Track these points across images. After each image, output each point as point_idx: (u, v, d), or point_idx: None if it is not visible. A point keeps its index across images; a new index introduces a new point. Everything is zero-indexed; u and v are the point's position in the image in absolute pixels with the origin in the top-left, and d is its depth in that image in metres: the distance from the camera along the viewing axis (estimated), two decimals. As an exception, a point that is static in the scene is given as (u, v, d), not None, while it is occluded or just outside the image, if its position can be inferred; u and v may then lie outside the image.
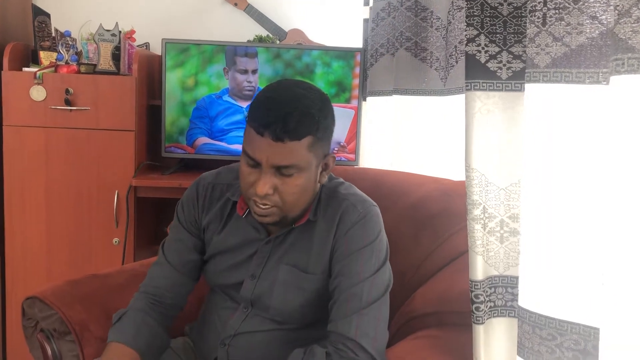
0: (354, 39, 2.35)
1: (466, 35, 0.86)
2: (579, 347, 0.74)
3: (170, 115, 2.21)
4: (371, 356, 0.98)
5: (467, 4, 0.85)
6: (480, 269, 0.89)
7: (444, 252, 1.24)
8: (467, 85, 0.86)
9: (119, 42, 2.14)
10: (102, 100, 2.10)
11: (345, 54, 2.19)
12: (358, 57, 2.19)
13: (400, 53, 1.80)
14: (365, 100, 2.19)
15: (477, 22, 0.84)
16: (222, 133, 2.24)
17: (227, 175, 1.19)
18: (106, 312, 1.27)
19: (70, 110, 2.08)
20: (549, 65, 0.74)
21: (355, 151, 2.25)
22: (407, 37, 1.78)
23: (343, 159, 2.26)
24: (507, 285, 0.91)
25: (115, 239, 2.15)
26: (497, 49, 0.85)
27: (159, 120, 2.23)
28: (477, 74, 0.86)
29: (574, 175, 0.78)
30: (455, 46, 1.56)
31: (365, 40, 2.15)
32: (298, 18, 2.54)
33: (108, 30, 2.12)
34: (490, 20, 0.84)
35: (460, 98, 1.56)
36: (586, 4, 0.70)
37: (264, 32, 2.48)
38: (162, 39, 2.18)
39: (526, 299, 0.81)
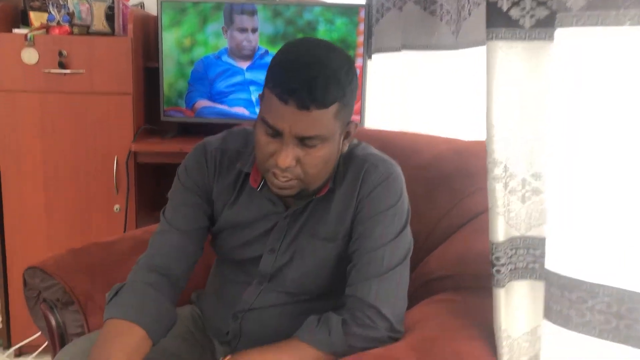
0: (357, -6, 2.25)
1: (487, -20, 0.79)
2: (612, 310, 0.71)
3: (168, 77, 2.14)
4: (390, 323, 0.94)
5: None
6: (501, 230, 0.85)
7: (460, 212, 1.20)
8: (488, 35, 0.81)
9: (112, 2, 2.06)
10: (97, 62, 2.02)
11: (348, 10, 2.10)
12: (362, 14, 2.10)
13: (409, 6, 1.73)
14: (370, 58, 2.12)
15: (499, -36, 0.78)
16: (222, 95, 2.17)
17: (234, 141, 1.11)
18: (110, 281, 1.20)
19: (65, 74, 2.01)
20: (583, 8, 0.68)
21: (361, 112, 2.18)
22: (416, -10, 1.70)
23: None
24: (528, 246, 0.87)
25: (116, 206, 2.11)
26: (520, -5, 0.79)
27: (157, 83, 2.15)
28: (498, 21, 0.80)
29: (605, 127, 0.73)
30: (468, -3, 1.48)
31: (370, -5, 2.06)
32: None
33: (100, -11, 2.03)
34: (513, -38, 0.78)
35: (472, 52, 1.49)
36: None
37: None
38: (158, -3, 2.09)
39: (552, 261, 0.78)
